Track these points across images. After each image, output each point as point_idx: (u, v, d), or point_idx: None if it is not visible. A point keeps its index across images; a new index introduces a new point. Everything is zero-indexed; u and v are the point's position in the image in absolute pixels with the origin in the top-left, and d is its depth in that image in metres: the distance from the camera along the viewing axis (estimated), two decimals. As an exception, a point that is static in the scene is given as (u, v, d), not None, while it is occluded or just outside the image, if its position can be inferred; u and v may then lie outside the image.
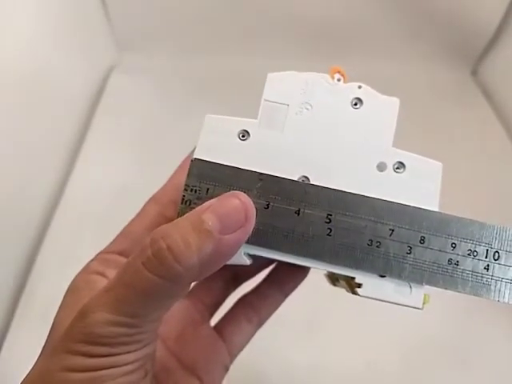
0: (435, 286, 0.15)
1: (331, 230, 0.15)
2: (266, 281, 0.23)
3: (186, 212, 0.14)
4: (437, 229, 0.15)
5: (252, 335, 0.22)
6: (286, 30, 0.59)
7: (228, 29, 0.59)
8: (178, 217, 0.15)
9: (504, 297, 0.15)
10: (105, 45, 0.60)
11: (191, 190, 0.15)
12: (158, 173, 0.22)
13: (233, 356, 0.21)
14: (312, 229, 0.15)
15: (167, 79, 0.58)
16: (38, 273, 0.40)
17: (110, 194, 0.45)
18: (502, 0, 0.55)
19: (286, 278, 0.23)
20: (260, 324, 0.22)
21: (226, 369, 0.21)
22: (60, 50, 0.48)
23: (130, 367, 0.14)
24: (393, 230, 0.15)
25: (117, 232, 0.19)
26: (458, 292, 0.15)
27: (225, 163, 0.16)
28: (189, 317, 0.22)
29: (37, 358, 0.15)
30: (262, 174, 0.16)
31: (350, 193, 0.15)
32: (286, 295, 0.23)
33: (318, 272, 0.21)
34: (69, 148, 0.50)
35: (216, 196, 0.14)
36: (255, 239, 0.15)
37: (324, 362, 0.35)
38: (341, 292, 0.19)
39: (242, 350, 0.22)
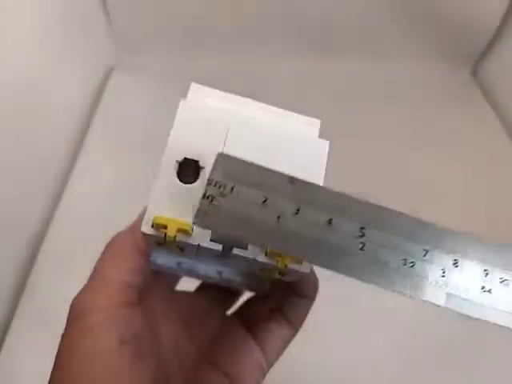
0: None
1: (364, 245, 0.14)
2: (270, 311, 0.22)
3: (206, 207, 0.13)
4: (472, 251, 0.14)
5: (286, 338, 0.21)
6: (285, 30, 0.59)
7: (228, 29, 0.59)
8: (198, 213, 0.14)
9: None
10: (105, 45, 0.60)
11: (215, 185, 0.14)
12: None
13: (268, 357, 0.20)
14: (344, 241, 0.14)
15: (167, 79, 0.58)
16: (38, 273, 0.40)
17: (110, 194, 0.45)
18: (502, 0, 0.55)
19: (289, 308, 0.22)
20: (292, 327, 0.21)
21: (261, 368, 0.20)
22: (60, 50, 0.48)
23: None
24: (427, 251, 0.14)
25: (116, 232, 0.19)
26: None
27: (250, 161, 0.14)
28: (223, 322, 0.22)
29: (36, 357, 0.16)
30: (292, 177, 0.14)
31: (384, 207, 0.14)
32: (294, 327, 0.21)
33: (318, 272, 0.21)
34: (69, 148, 0.51)
35: (241, 197, 0.14)
36: (282, 245, 0.14)
37: (324, 361, 0.35)
38: (341, 292, 0.19)
39: (278, 351, 0.21)
